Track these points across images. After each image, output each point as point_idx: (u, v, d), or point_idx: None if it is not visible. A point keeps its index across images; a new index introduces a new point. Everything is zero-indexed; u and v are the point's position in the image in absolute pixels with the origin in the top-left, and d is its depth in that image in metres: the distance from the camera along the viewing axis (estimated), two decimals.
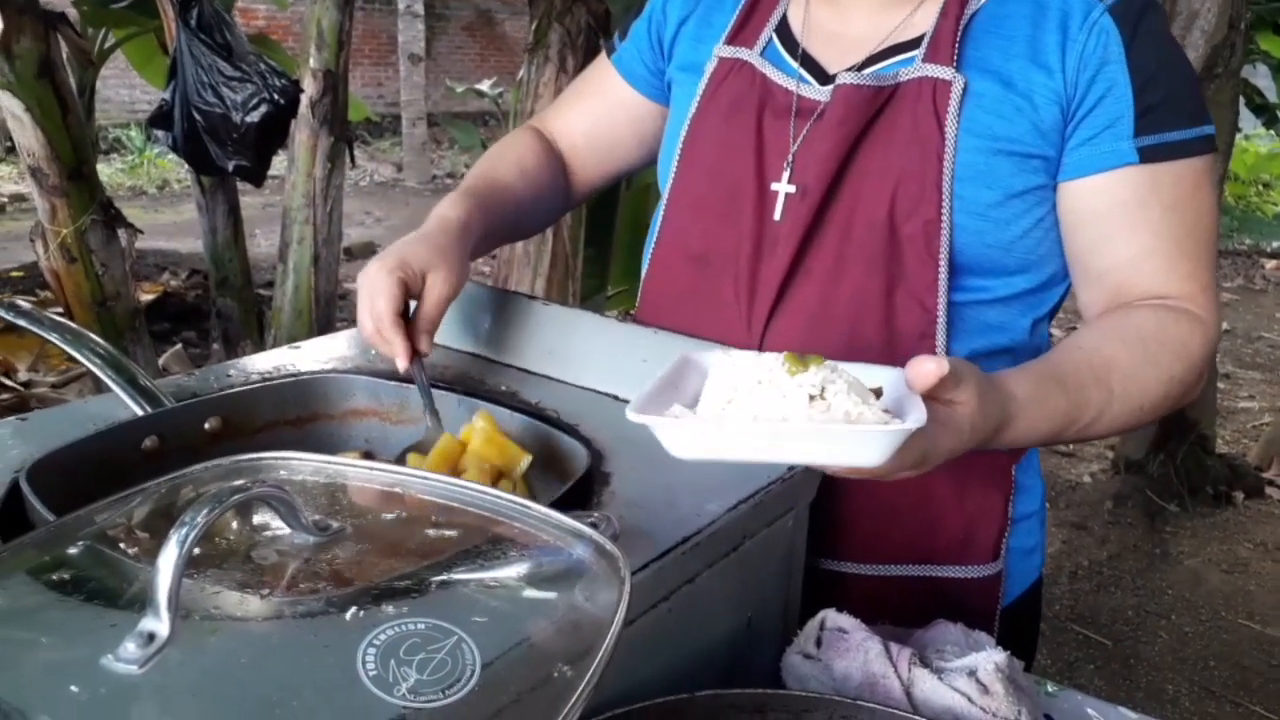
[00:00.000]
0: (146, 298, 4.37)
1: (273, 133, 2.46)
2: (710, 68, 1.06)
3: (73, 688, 0.48)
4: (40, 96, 2.48)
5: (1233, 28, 2.69)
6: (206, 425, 0.91)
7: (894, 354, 0.95)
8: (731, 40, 1.06)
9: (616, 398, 0.99)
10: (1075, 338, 0.91)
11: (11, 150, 7.27)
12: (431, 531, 0.67)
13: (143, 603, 0.51)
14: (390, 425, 0.99)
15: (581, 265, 3.12)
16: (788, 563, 0.89)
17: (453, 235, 0.96)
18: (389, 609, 0.57)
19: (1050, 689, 0.81)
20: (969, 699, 0.71)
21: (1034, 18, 0.94)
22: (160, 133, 2.51)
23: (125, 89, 9.52)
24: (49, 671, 0.50)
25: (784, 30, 1.05)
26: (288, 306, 2.71)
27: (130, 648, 0.48)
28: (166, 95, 2.49)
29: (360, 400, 0.99)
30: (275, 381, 0.97)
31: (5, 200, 6.81)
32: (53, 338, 0.95)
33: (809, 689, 0.76)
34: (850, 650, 0.76)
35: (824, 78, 1.00)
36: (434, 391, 0.98)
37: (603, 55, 1.21)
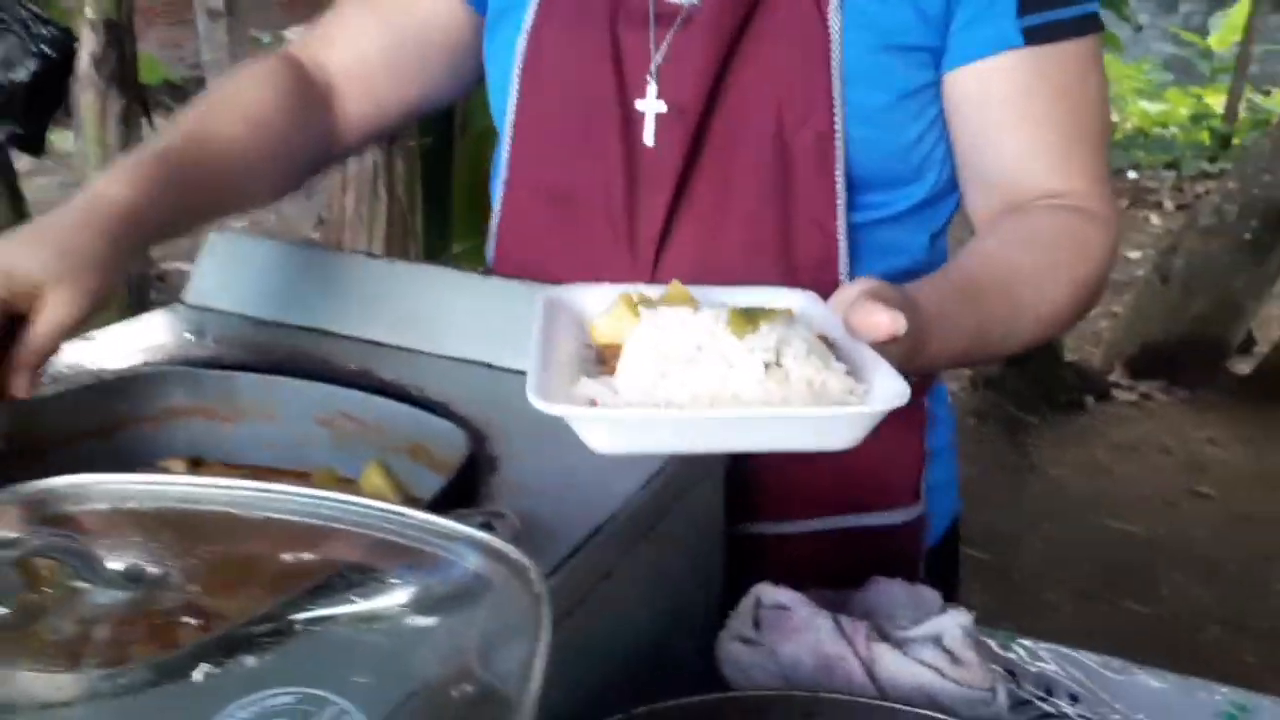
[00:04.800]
0: None
1: (46, 92, 2.13)
2: None
3: None
4: None
5: None
6: None
7: (794, 285, 0.86)
8: None
9: (490, 365, 0.85)
10: (975, 245, 0.84)
11: None
12: (285, 558, 0.53)
13: None
14: (219, 423, 0.83)
15: (420, 223, 2.93)
16: (708, 534, 0.79)
17: (102, 229, 0.69)
18: (241, 673, 0.43)
19: (1025, 644, 0.74)
20: (940, 672, 0.62)
21: None
22: None
23: None
24: None
25: None
26: None
27: None
28: None
29: (178, 397, 0.82)
30: (67, 386, 0.79)
31: None
32: None
33: (754, 679, 0.66)
34: (797, 630, 0.66)
35: None
36: (272, 378, 0.83)
37: None
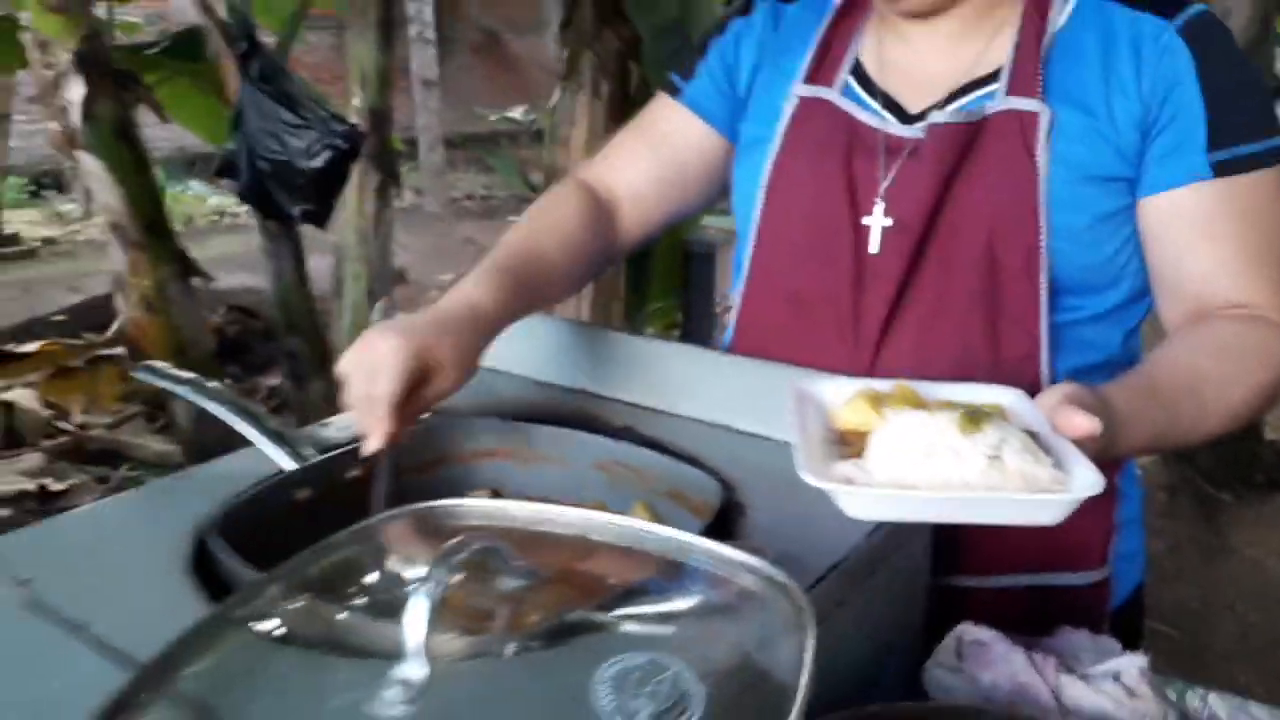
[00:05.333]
0: None
1: (335, 177, 2.52)
2: (790, 108, 1.08)
3: None
4: (120, 156, 2.57)
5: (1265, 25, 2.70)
6: (349, 475, 0.95)
7: (999, 378, 0.99)
8: (809, 81, 1.08)
9: (730, 428, 1.02)
10: (1165, 351, 0.94)
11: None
12: (613, 569, 0.70)
13: (377, 652, 0.56)
14: (516, 464, 1.03)
15: (624, 284, 3.17)
16: (916, 582, 0.93)
17: (480, 329, 0.91)
18: (589, 643, 0.60)
19: (1198, 691, 0.84)
20: (1117, 701, 0.75)
21: (1105, 43, 0.98)
22: (227, 181, 2.58)
23: (145, 127, 9.58)
24: None
25: (859, 72, 1.08)
26: (347, 344, 2.77)
27: (392, 693, 0.52)
28: (232, 146, 2.57)
29: (486, 441, 1.03)
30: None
31: (38, 244, 6.90)
32: (185, 393, 1.00)
33: (956, 700, 0.80)
34: (994, 662, 0.80)
35: (905, 116, 1.03)
36: (561, 430, 1.02)
37: (661, 97, 1.19)
